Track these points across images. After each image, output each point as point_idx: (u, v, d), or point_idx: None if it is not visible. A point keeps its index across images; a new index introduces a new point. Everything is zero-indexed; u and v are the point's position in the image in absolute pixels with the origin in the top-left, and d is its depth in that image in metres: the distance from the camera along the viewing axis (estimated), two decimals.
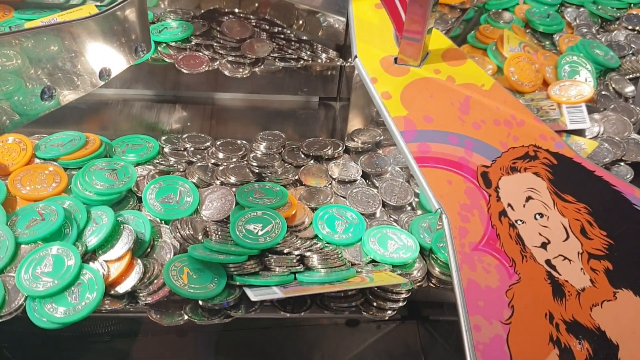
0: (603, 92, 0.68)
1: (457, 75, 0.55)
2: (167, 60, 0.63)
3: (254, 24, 0.69)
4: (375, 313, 0.46)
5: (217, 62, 0.63)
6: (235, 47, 0.65)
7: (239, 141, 0.60)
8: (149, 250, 0.46)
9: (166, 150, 0.57)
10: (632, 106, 0.67)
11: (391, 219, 0.53)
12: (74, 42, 0.53)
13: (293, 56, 0.65)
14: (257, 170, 0.56)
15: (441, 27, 0.73)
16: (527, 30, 0.78)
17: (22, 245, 0.44)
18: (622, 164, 0.60)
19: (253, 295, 0.42)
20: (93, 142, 0.54)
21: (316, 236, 0.50)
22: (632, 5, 0.84)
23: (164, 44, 0.65)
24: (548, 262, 0.44)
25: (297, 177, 0.56)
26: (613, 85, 0.70)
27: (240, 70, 0.63)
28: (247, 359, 0.58)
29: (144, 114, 0.68)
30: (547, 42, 0.77)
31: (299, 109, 0.71)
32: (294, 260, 0.46)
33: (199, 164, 0.56)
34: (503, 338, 0.40)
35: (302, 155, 0.59)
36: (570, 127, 0.61)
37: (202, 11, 0.71)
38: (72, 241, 0.44)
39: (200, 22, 0.68)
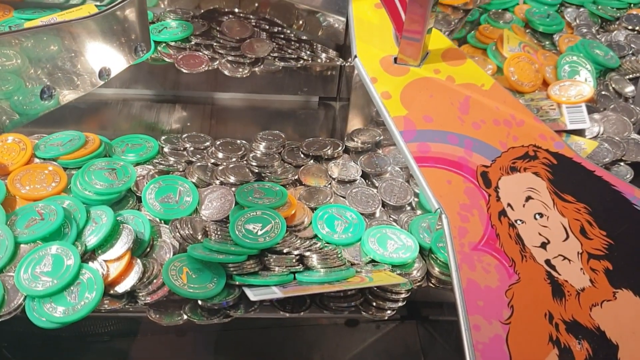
0: (603, 92, 0.68)
1: (457, 75, 0.55)
2: (166, 60, 0.63)
3: (253, 23, 0.69)
4: (374, 313, 0.46)
5: (217, 62, 0.63)
6: (235, 46, 0.65)
7: (238, 141, 0.60)
8: (148, 250, 0.46)
9: (166, 150, 0.57)
10: (632, 106, 0.67)
11: (391, 218, 0.53)
12: (74, 41, 0.53)
13: (293, 56, 0.65)
14: (256, 170, 0.56)
15: (444, 28, 0.73)
16: (527, 30, 0.78)
17: (22, 245, 0.44)
18: (622, 164, 0.60)
19: (252, 295, 0.42)
20: (93, 142, 0.54)
21: (316, 236, 0.50)
22: (632, 5, 0.84)
23: (164, 44, 0.65)
24: (548, 262, 0.44)
25: (296, 177, 0.56)
26: (613, 85, 0.70)
27: (240, 70, 0.63)
28: (247, 358, 0.58)
29: (144, 114, 0.68)
30: (547, 42, 0.77)
31: (299, 109, 0.71)
32: (294, 260, 0.46)
33: (199, 164, 0.56)
34: (502, 338, 0.40)
35: (302, 155, 0.59)
36: (570, 127, 0.61)
37: (202, 11, 0.71)
38: (71, 241, 0.44)
39: (200, 21, 0.68)
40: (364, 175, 0.58)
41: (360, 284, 0.44)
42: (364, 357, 0.59)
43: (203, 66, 0.63)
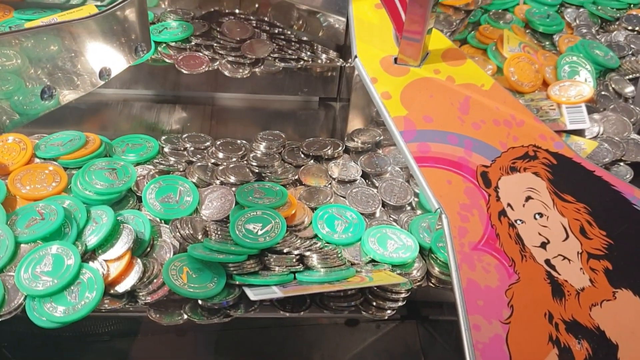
0: (603, 93, 0.69)
1: (457, 76, 0.55)
2: (167, 60, 0.63)
3: (254, 24, 0.69)
4: (374, 313, 0.46)
5: (217, 63, 0.64)
6: (235, 47, 0.65)
7: (238, 141, 0.60)
8: (148, 249, 0.46)
9: (166, 150, 0.57)
10: (632, 106, 0.67)
11: (391, 218, 0.53)
12: (74, 41, 0.53)
13: (293, 57, 0.65)
14: (257, 170, 0.56)
15: (446, 29, 0.73)
16: (527, 31, 0.78)
17: (22, 245, 0.44)
18: (621, 164, 0.60)
19: (252, 294, 0.42)
20: (93, 142, 0.55)
21: (316, 236, 0.50)
22: (631, 5, 0.84)
23: (164, 44, 0.65)
24: (547, 261, 0.44)
25: (296, 177, 0.56)
26: (613, 86, 0.70)
27: (240, 70, 0.63)
28: (247, 358, 0.58)
29: (144, 115, 0.68)
30: (547, 43, 0.77)
31: (299, 110, 0.72)
32: (294, 260, 0.46)
33: (199, 164, 0.56)
34: (502, 337, 0.40)
35: (302, 155, 0.59)
36: (569, 127, 0.61)
37: (203, 13, 0.71)
38: (71, 240, 0.44)
39: (200, 22, 0.68)
40: (364, 175, 0.58)
41: (361, 284, 0.44)
42: (364, 356, 0.59)
43: (203, 67, 0.63)
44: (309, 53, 0.66)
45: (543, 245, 0.45)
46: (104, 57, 0.56)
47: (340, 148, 0.60)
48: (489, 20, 0.77)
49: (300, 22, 0.69)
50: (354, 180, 0.56)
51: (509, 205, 0.47)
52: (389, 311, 0.46)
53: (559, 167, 0.49)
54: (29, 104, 0.52)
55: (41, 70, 0.52)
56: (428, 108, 0.52)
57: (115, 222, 0.46)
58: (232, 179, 0.54)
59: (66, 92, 0.54)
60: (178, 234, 0.47)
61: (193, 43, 0.65)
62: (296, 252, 0.47)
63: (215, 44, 0.65)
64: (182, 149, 0.58)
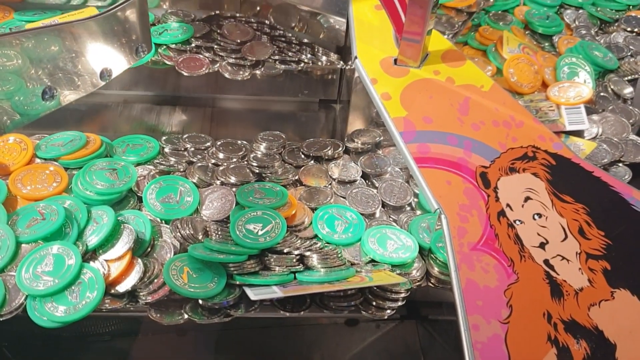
0: (602, 94, 0.69)
1: (457, 77, 0.56)
2: (167, 62, 0.63)
3: (254, 27, 0.69)
4: (374, 312, 0.46)
5: (218, 65, 0.64)
6: (236, 49, 0.65)
7: (239, 141, 0.60)
8: (149, 249, 0.46)
9: (166, 150, 0.57)
10: (631, 107, 0.67)
11: (390, 219, 0.53)
12: (75, 42, 0.53)
13: (293, 59, 0.65)
14: (257, 171, 0.56)
15: (448, 31, 0.73)
16: (527, 32, 0.78)
17: (23, 245, 0.44)
18: (620, 164, 0.60)
19: (253, 294, 0.42)
20: (94, 142, 0.55)
21: (316, 236, 0.50)
22: (630, 7, 0.84)
23: (164, 46, 0.65)
24: (546, 262, 0.44)
25: (297, 178, 0.56)
26: (612, 87, 0.70)
27: (241, 72, 0.63)
28: (247, 358, 0.58)
29: (144, 116, 0.68)
30: (547, 44, 0.77)
31: (299, 111, 0.72)
32: (294, 260, 0.47)
33: (199, 164, 0.56)
34: (501, 337, 0.40)
35: (302, 156, 0.59)
36: (569, 128, 0.62)
37: (204, 16, 0.71)
38: (72, 240, 0.44)
39: (201, 24, 0.68)
40: (364, 176, 0.58)
41: (360, 284, 0.45)
42: (363, 356, 0.59)
43: (204, 69, 0.63)
44: (309, 55, 0.66)
45: (542, 246, 0.45)
46: (104, 57, 0.56)
47: (340, 149, 0.60)
48: (489, 21, 0.77)
49: (301, 23, 0.69)
50: (354, 181, 0.57)
51: (508, 205, 0.47)
52: (388, 311, 0.46)
53: (558, 168, 0.50)
54: (29, 105, 0.52)
55: (42, 71, 0.52)
56: (428, 109, 0.53)
57: (115, 222, 0.46)
58: (233, 180, 0.54)
59: (67, 92, 0.54)
60: (178, 234, 0.47)
61: (193, 45, 0.65)
62: (296, 252, 0.47)
63: (215, 46, 0.65)
64: (182, 149, 0.58)
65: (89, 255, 0.45)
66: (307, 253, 0.47)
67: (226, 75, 0.63)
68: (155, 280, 0.44)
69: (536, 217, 0.46)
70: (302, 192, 0.54)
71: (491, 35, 0.74)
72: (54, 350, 0.57)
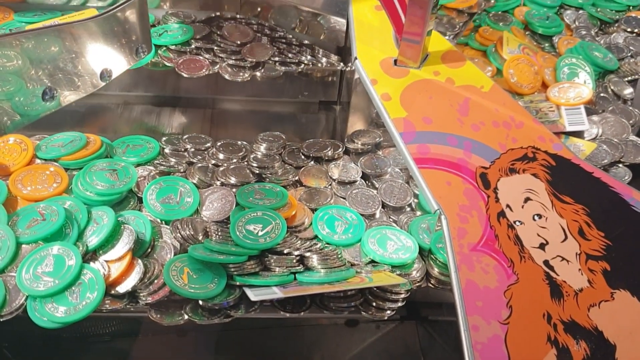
0: (602, 94, 0.69)
1: (457, 77, 0.56)
2: (167, 64, 0.63)
3: (255, 28, 0.69)
4: (374, 313, 0.46)
5: (217, 66, 0.64)
6: (236, 50, 0.65)
7: (239, 142, 0.60)
8: (149, 250, 0.46)
9: (167, 151, 0.57)
10: (631, 108, 0.67)
11: (390, 219, 0.53)
12: (75, 43, 0.53)
13: (294, 60, 0.65)
14: (257, 171, 0.56)
15: (449, 32, 0.73)
16: (527, 33, 0.78)
17: (23, 245, 0.44)
18: (620, 165, 0.60)
19: (253, 295, 0.42)
20: (94, 143, 0.55)
21: (316, 237, 0.50)
22: (630, 7, 0.84)
23: (164, 48, 0.65)
24: (546, 262, 0.44)
25: (297, 178, 0.56)
26: (612, 88, 0.70)
27: (241, 74, 0.63)
28: (247, 358, 0.58)
29: (144, 118, 0.68)
30: (547, 44, 0.77)
31: (299, 113, 0.72)
32: (294, 261, 0.47)
33: (200, 165, 0.56)
34: (501, 338, 0.40)
35: (302, 156, 0.59)
36: (568, 128, 0.62)
37: (203, 18, 0.71)
38: (72, 241, 0.44)
39: (201, 25, 0.68)
40: (364, 177, 0.58)
41: (360, 285, 0.45)
42: (363, 357, 0.59)
43: (203, 70, 0.63)
44: (309, 57, 0.66)
45: (542, 246, 0.45)
46: (104, 58, 0.56)
47: (340, 149, 0.60)
48: (489, 22, 0.77)
49: (301, 24, 0.69)
50: (354, 182, 0.57)
51: (508, 206, 0.47)
52: (388, 312, 0.46)
53: (558, 169, 0.50)
54: (30, 105, 0.52)
55: (42, 72, 0.52)
56: (428, 109, 0.53)
57: (116, 222, 0.46)
58: (233, 180, 0.54)
59: (67, 93, 0.54)
60: (179, 234, 0.47)
61: (193, 46, 0.65)
62: (296, 252, 0.47)
63: (215, 48, 0.65)
64: (182, 150, 0.58)
65: (89, 255, 0.45)
66: (307, 254, 0.47)
67: (226, 76, 0.63)
68: (156, 281, 0.44)
69: (536, 217, 0.46)
70: (302, 193, 0.54)
71: (491, 36, 0.74)
72: (54, 351, 0.57)
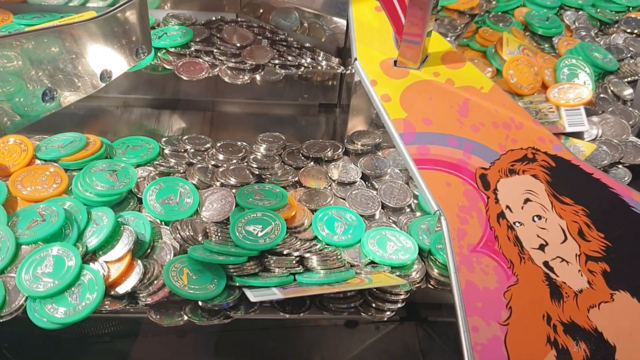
0: (601, 95, 0.69)
1: (457, 78, 0.56)
2: (167, 66, 0.63)
3: (255, 31, 0.69)
4: (374, 314, 0.46)
5: (217, 69, 0.64)
6: (236, 53, 0.65)
7: (239, 143, 0.60)
8: (149, 251, 0.47)
9: (166, 151, 0.57)
10: (630, 109, 0.67)
11: (390, 220, 0.53)
12: (75, 44, 0.53)
13: (294, 63, 0.65)
14: (257, 172, 0.56)
15: (450, 33, 0.73)
16: (527, 33, 0.78)
17: (23, 246, 0.44)
18: (620, 166, 0.60)
19: (252, 296, 0.42)
20: (94, 144, 0.55)
21: (316, 237, 0.50)
22: (630, 8, 0.84)
23: (164, 50, 0.65)
24: (546, 263, 0.44)
25: (296, 179, 0.56)
26: (611, 88, 0.70)
27: (241, 76, 0.63)
28: (247, 359, 0.58)
29: (144, 120, 0.68)
30: (546, 45, 0.77)
31: (299, 115, 0.72)
32: (294, 262, 0.47)
33: (199, 166, 0.56)
34: (501, 339, 0.40)
35: (302, 157, 0.59)
36: (568, 129, 0.62)
37: (203, 22, 0.71)
38: (72, 242, 0.44)
39: (201, 28, 0.68)
40: (364, 177, 0.58)
41: (360, 285, 0.45)
42: (363, 358, 0.59)
43: (203, 73, 0.63)
44: (309, 60, 0.66)
45: (541, 247, 0.45)
46: (104, 59, 0.56)
47: (340, 150, 0.60)
48: (489, 23, 0.77)
49: (301, 25, 0.69)
50: (354, 182, 0.57)
51: (507, 207, 0.47)
52: (388, 313, 0.46)
53: (558, 170, 0.50)
54: (30, 106, 0.52)
55: (42, 72, 0.52)
56: (427, 110, 0.53)
57: (115, 223, 0.46)
58: (233, 181, 0.54)
59: (67, 94, 0.54)
60: (178, 235, 0.47)
61: (193, 49, 0.65)
62: (296, 253, 0.47)
63: (215, 50, 0.65)
64: (182, 150, 0.58)
65: (89, 256, 0.45)
66: (307, 255, 0.47)
67: (226, 79, 0.63)
68: (155, 282, 0.44)
69: (536, 218, 0.46)
70: (302, 194, 0.54)
71: (491, 37, 0.74)
72: (54, 352, 0.57)
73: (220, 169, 0.55)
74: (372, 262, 0.48)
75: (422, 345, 0.60)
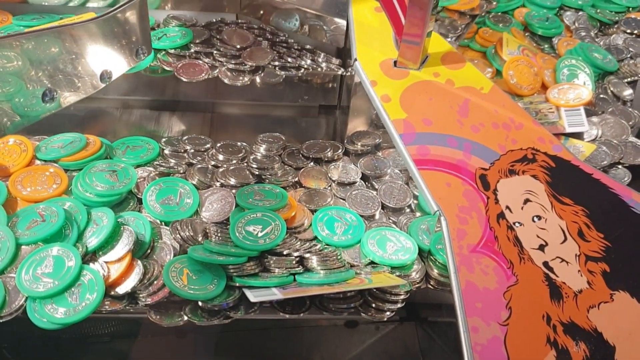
0: (601, 96, 0.69)
1: (456, 79, 0.56)
2: (166, 68, 0.63)
3: (255, 32, 0.69)
4: (374, 314, 0.46)
5: (217, 70, 0.64)
6: (236, 55, 0.65)
7: (238, 143, 0.60)
8: (149, 251, 0.47)
9: (166, 152, 0.57)
10: (630, 109, 0.67)
11: (390, 220, 0.53)
12: (75, 44, 0.53)
13: (294, 65, 0.65)
14: (257, 172, 0.56)
15: (451, 34, 0.73)
16: (526, 34, 0.78)
17: (23, 246, 0.44)
18: (619, 166, 0.60)
19: (252, 296, 0.42)
20: (93, 144, 0.55)
21: (315, 238, 0.50)
22: (630, 9, 0.84)
23: (163, 52, 0.65)
24: (546, 264, 0.44)
25: (296, 179, 0.56)
26: (611, 89, 0.70)
27: (240, 78, 0.63)
28: (247, 359, 0.58)
29: (143, 122, 0.68)
30: (546, 46, 0.77)
31: (299, 117, 0.72)
32: (294, 262, 0.47)
33: (199, 166, 0.56)
34: (501, 339, 0.40)
35: (302, 158, 0.59)
36: (568, 130, 0.62)
37: (203, 24, 0.71)
38: (72, 242, 0.44)
39: (201, 29, 0.68)
40: (364, 178, 0.58)
41: (360, 286, 0.45)
42: (363, 358, 0.59)
43: (203, 74, 0.63)
44: (309, 61, 0.66)
45: (541, 248, 0.45)
46: (104, 59, 0.56)
47: (340, 150, 0.60)
48: (489, 23, 0.78)
49: (300, 25, 0.69)
50: (354, 183, 0.57)
51: (507, 207, 0.47)
52: (388, 313, 0.46)
53: (558, 170, 0.50)
54: (30, 106, 0.52)
55: (42, 73, 0.52)
56: (427, 111, 0.53)
57: (115, 223, 0.46)
58: (232, 181, 0.54)
59: (67, 94, 0.54)
60: (178, 235, 0.47)
61: (192, 50, 0.65)
62: (296, 254, 0.47)
63: (215, 52, 0.65)
64: (182, 151, 0.58)
65: (89, 256, 0.45)
66: (307, 255, 0.47)
67: (225, 81, 0.63)
68: (155, 282, 0.44)
69: (535, 219, 0.46)
70: (302, 194, 0.54)
71: (491, 37, 0.74)
72: (54, 352, 0.57)
73: (220, 170, 0.55)
74: (372, 263, 0.48)
75: (422, 346, 0.60)
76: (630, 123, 0.65)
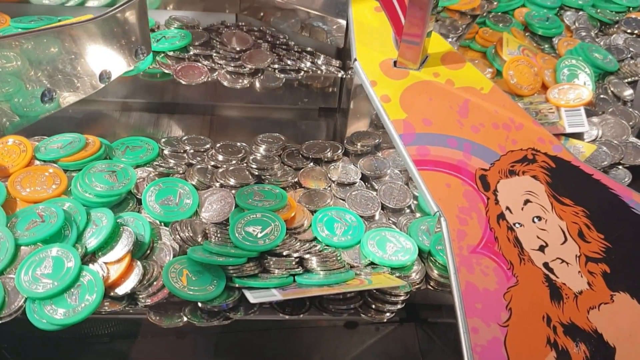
0: (602, 96, 0.69)
1: (456, 79, 0.56)
2: (165, 70, 0.63)
3: (255, 35, 0.69)
4: (373, 315, 0.46)
5: (216, 73, 0.63)
6: (235, 57, 0.65)
7: (238, 144, 0.60)
8: (148, 252, 0.46)
9: (166, 152, 0.57)
10: (631, 110, 0.67)
11: (390, 221, 0.53)
12: (74, 44, 0.53)
13: (293, 67, 0.65)
14: (256, 173, 0.56)
15: (452, 34, 0.73)
16: (527, 34, 0.78)
17: (22, 247, 0.44)
18: (620, 167, 0.60)
19: (252, 297, 0.42)
20: (93, 144, 0.55)
21: (315, 238, 0.50)
22: (630, 9, 0.84)
23: (162, 54, 0.64)
24: (546, 265, 0.44)
25: (296, 180, 0.56)
26: (612, 89, 0.70)
27: (240, 80, 0.63)
28: None
29: (143, 125, 0.68)
30: (546, 46, 0.77)
31: (299, 119, 0.72)
32: (293, 263, 0.47)
33: (199, 166, 0.56)
34: (501, 340, 0.40)
35: (302, 158, 0.59)
36: (568, 130, 0.62)
37: (203, 27, 0.71)
38: (71, 243, 0.44)
39: (200, 31, 0.68)
40: (364, 178, 0.58)
41: (360, 287, 0.45)
42: (363, 359, 0.59)
43: (202, 77, 0.63)
44: (309, 64, 0.66)
45: (541, 249, 0.45)
46: (104, 59, 0.56)
47: (339, 151, 0.60)
48: (489, 23, 0.77)
49: (300, 25, 0.69)
50: (354, 183, 0.57)
51: (507, 208, 0.47)
52: (388, 314, 0.46)
53: (558, 171, 0.50)
54: (29, 106, 0.52)
55: (41, 73, 0.52)
56: (427, 111, 0.52)
57: (115, 224, 0.46)
58: (232, 182, 0.54)
59: (66, 94, 0.54)
60: (178, 236, 0.47)
61: (192, 53, 0.65)
62: (296, 254, 0.47)
63: (214, 54, 0.65)
64: (181, 151, 0.58)
65: (88, 257, 0.45)
66: (307, 256, 0.47)
67: (225, 83, 0.63)
68: (155, 283, 0.44)
69: (536, 220, 0.46)
70: (302, 195, 0.54)
71: (491, 37, 0.74)
72: (53, 352, 0.57)
73: (220, 170, 0.55)
74: (371, 263, 0.48)
75: (421, 347, 0.60)
76: (631, 123, 0.64)
